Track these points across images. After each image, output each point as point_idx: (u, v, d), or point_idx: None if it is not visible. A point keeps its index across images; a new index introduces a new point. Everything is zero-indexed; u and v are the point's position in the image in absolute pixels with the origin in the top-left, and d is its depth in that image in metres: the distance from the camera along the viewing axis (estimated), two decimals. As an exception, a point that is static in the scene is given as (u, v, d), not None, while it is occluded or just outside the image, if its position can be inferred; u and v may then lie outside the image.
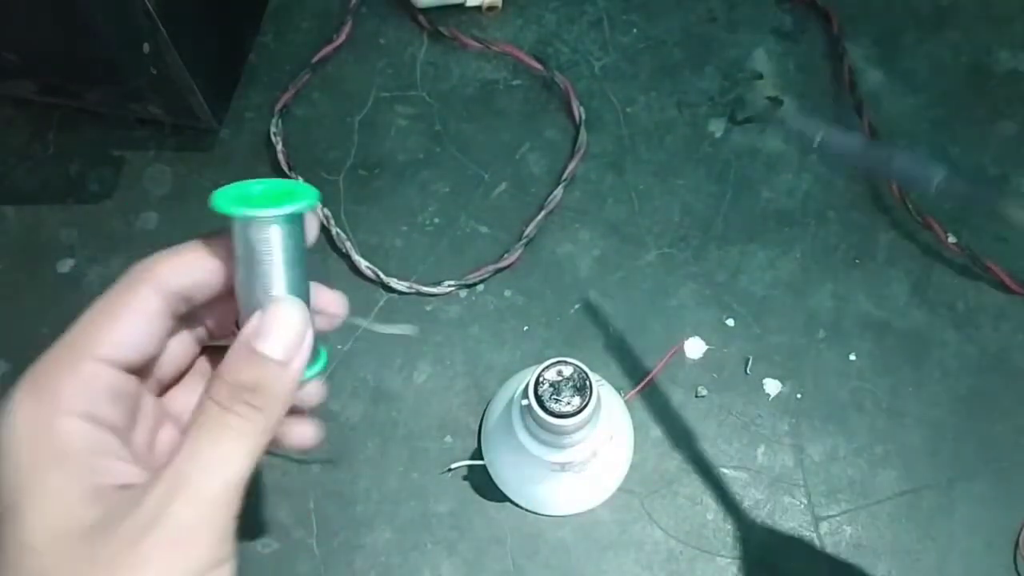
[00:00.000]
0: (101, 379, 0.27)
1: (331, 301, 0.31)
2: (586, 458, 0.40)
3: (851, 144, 0.30)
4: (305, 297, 0.29)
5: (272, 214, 0.27)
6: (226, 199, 0.28)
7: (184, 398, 0.31)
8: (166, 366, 0.30)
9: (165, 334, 0.28)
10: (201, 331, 0.31)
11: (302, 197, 0.28)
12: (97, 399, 0.26)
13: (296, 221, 0.28)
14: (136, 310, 0.27)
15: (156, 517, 0.24)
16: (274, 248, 0.28)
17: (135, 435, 0.28)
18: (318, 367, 0.30)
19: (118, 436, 0.27)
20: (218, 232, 0.29)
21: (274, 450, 0.31)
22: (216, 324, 0.31)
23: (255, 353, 0.27)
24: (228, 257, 0.29)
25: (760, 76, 0.55)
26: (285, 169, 0.51)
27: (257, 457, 0.27)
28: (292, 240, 0.28)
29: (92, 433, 0.26)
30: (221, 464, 0.26)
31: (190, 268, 0.28)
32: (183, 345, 0.30)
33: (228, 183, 0.52)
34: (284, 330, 0.27)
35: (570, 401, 0.36)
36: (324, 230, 0.50)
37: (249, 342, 0.27)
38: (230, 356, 0.27)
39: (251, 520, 0.44)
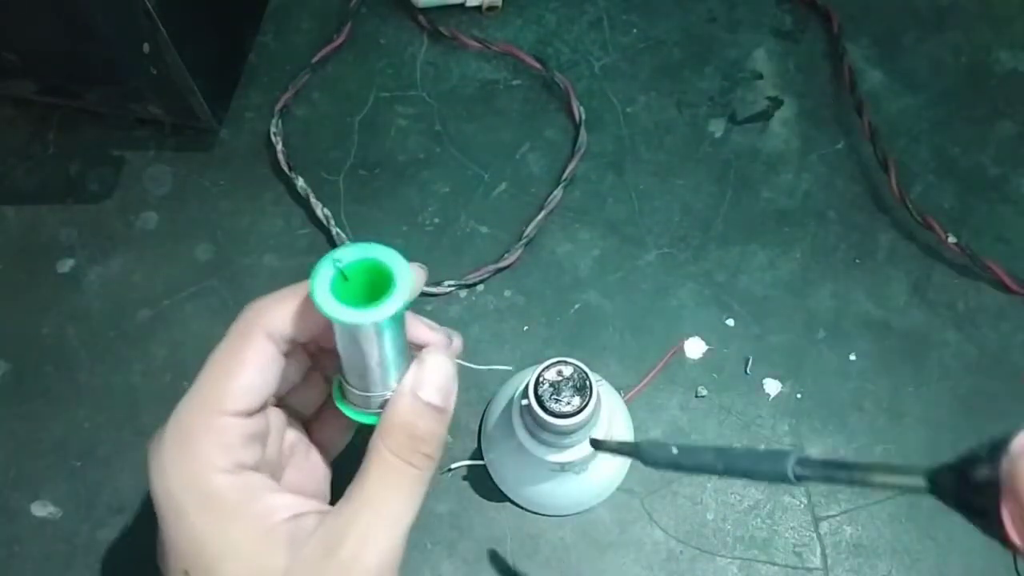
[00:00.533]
0: (236, 430, 0.29)
1: (430, 337, 0.32)
2: (586, 458, 0.40)
3: (666, 455, 0.30)
4: (405, 347, 0.30)
5: (374, 319, 0.27)
6: (322, 286, 0.28)
7: (301, 395, 0.34)
8: (283, 386, 0.32)
9: (280, 371, 0.31)
10: (309, 349, 0.33)
11: (399, 278, 0.28)
12: (237, 449, 0.29)
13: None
14: (254, 361, 0.30)
15: (352, 565, 0.28)
16: (376, 338, 0.29)
17: (268, 450, 0.31)
18: None
19: (260, 470, 0.30)
20: None
21: None
22: (323, 342, 0.33)
23: (422, 403, 0.29)
24: None
25: (760, 76, 0.55)
26: (285, 169, 0.51)
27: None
28: (397, 320, 0.29)
29: (243, 481, 0.29)
30: (404, 512, 0.29)
31: (298, 316, 0.30)
32: (294, 367, 0.32)
33: (228, 183, 0.53)
34: (441, 379, 0.30)
35: (570, 401, 0.36)
36: (324, 230, 0.51)
37: (415, 392, 0.29)
38: (399, 408, 0.29)
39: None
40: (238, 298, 0.49)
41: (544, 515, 0.44)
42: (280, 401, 0.33)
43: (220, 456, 0.28)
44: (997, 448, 0.21)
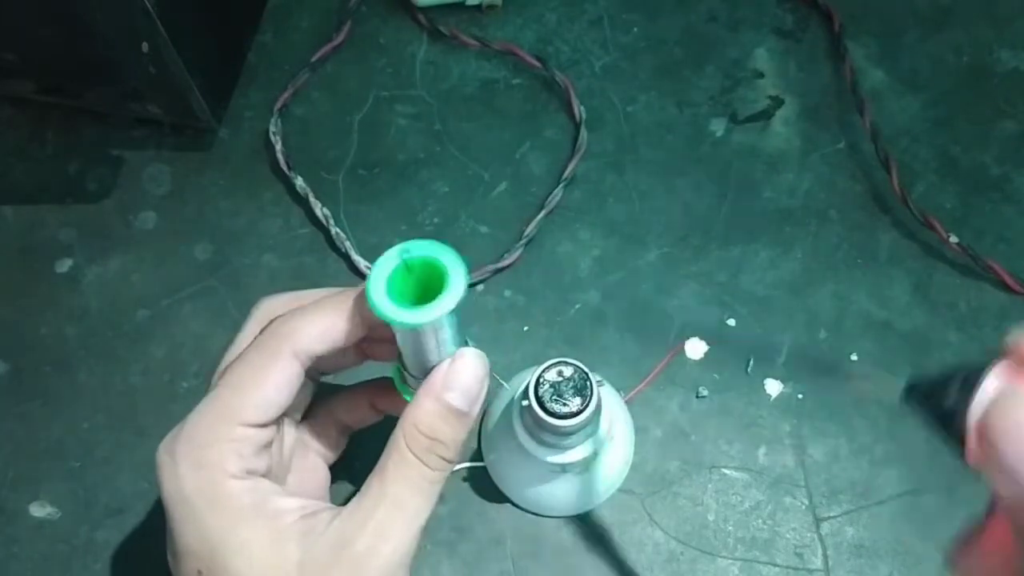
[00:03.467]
0: (250, 440, 0.30)
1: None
2: (586, 459, 0.39)
3: None
4: (461, 339, 0.31)
5: (433, 317, 0.28)
6: (378, 287, 0.28)
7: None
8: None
9: (299, 387, 0.32)
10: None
11: (454, 276, 0.28)
12: (250, 457, 0.30)
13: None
14: (278, 378, 0.30)
15: (367, 559, 0.28)
16: (438, 332, 0.29)
17: (273, 455, 0.32)
18: None
19: (269, 476, 0.31)
20: (349, 291, 0.32)
21: None
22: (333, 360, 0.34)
23: (448, 407, 0.30)
24: (360, 316, 0.31)
25: (761, 75, 0.55)
26: (285, 169, 0.51)
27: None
28: (453, 316, 0.29)
29: (254, 486, 0.30)
30: (420, 510, 0.30)
31: (329, 335, 0.31)
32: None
33: (227, 182, 0.53)
34: (469, 382, 0.30)
35: (570, 402, 0.36)
36: (323, 230, 0.50)
37: (441, 395, 0.30)
38: (423, 407, 0.30)
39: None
40: (237, 298, 0.49)
41: (544, 516, 0.44)
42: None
43: (233, 463, 0.29)
44: (970, 383, 0.23)
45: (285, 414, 0.34)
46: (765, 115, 0.54)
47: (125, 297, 0.49)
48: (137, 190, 0.52)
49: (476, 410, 0.31)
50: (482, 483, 0.45)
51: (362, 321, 0.31)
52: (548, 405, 0.36)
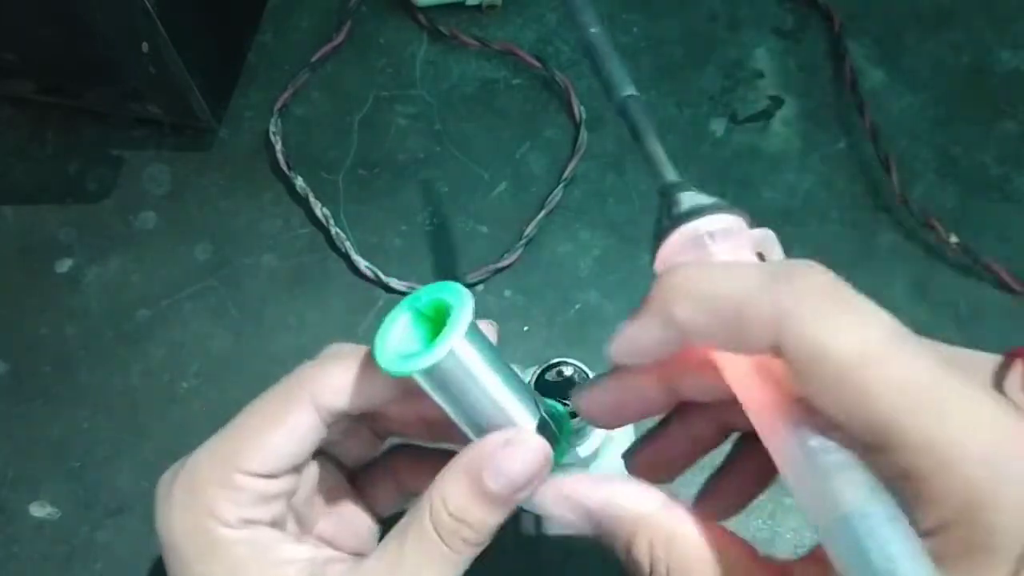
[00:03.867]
0: (251, 491, 0.27)
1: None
2: (586, 459, 0.39)
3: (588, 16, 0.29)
4: (530, 397, 0.27)
5: (441, 355, 0.24)
6: (380, 341, 0.26)
7: (342, 447, 0.32)
8: (321, 444, 0.30)
9: (318, 440, 0.28)
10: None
11: (457, 309, 0.25)
12: (248, 507, 0.27)
13: (473, 335, 0.25)
14: (290, 427, 0.27)
15: None
16: (476, 381, 0.25)
17: (296, 500, 0.30)
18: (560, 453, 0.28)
19: (279, 524, 0.28)
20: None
21: None
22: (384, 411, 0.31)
23: (482, 491, 0.26)
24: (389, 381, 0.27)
25: (761, 75, 0.55)
26: (285, 169, 0.51)
27: None
28: (491, 360, 0.26)
29: (252, 536, 0.27)
30: None
31: (353, 393, 0.27)
32: (336, 427, 0.30)
33: (227, 182, 0.53)
34: (517, 471, 0.26)
35: (570, 402, 0.36)
36: (323, 230, 0.50)
37: (477, 474, 0.26)
38: (454, 484, 0.26)
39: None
40: (237, 298, 0.49)
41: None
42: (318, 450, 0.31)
43: (228, 511, 0.27)
44: (684, 217, 0.26)
45: (328, 457, 0.31)
46: (765, 115, 0.54)
47: (125, 297, 0.49)
48: (137, 190, 0.52)
49: (520, 497, 0.26)
50: (482, 483, 0.45)
51: (392, 384, 0.27)
52: (548, 405, 0.36)
